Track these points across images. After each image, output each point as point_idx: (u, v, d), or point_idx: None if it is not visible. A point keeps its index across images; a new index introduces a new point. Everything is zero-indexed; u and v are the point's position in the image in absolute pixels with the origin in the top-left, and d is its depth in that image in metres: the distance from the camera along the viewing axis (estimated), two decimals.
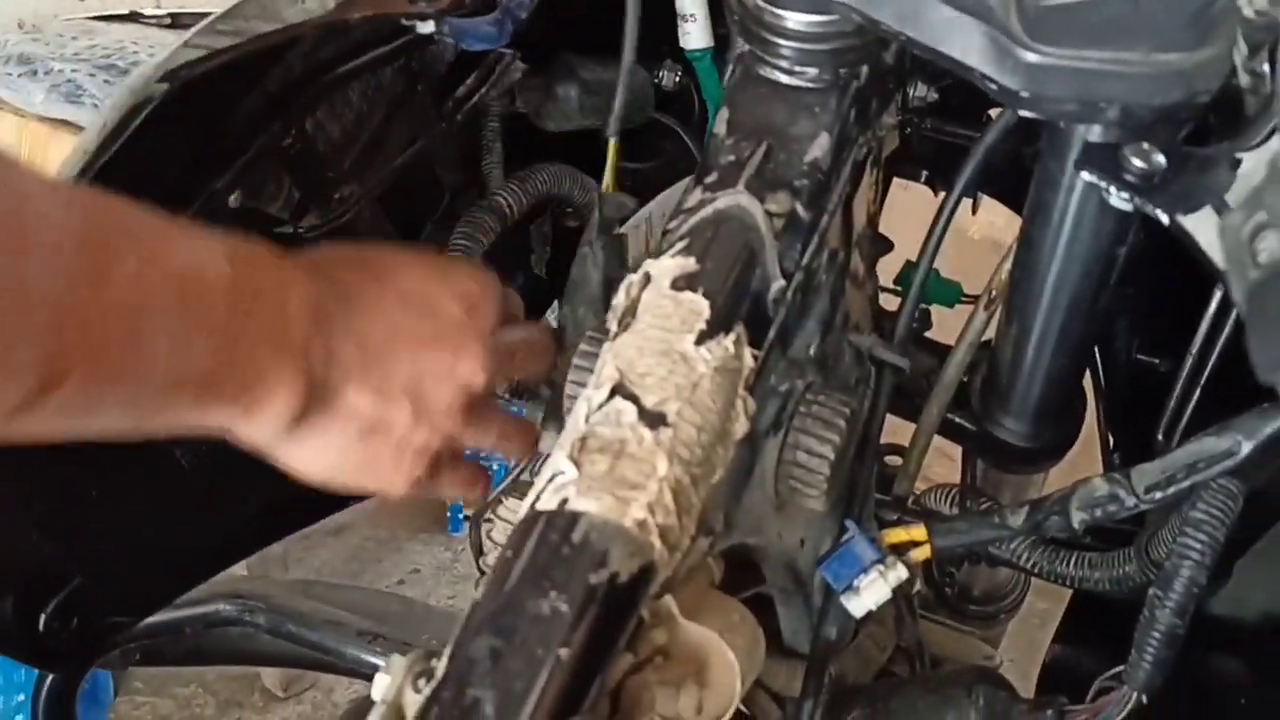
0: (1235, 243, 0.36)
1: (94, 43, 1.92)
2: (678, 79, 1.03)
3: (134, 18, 2.12)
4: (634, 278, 0.61)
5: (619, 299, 0.61)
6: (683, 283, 0.59)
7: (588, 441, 0.53)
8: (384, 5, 0.63)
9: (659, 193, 1.15)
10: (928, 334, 0.93)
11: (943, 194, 1.05)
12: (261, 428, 0.56)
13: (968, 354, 0.79)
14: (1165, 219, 0.50)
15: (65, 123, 1.78)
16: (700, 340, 0.56)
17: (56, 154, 1.76)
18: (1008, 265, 0.75)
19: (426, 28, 0.63)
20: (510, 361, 0.68)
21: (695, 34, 0.88)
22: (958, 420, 0.83)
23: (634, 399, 0.55)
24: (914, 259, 0.95)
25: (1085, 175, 0.52)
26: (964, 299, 0.94)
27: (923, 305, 0.92)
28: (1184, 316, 0.81)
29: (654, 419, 0.54)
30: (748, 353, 0.58)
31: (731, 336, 0.57)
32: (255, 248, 0.54)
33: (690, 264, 0.59)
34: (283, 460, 0.59)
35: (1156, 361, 0.91)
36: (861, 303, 0.81)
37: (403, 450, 0.61)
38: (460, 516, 2.50)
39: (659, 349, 0.57)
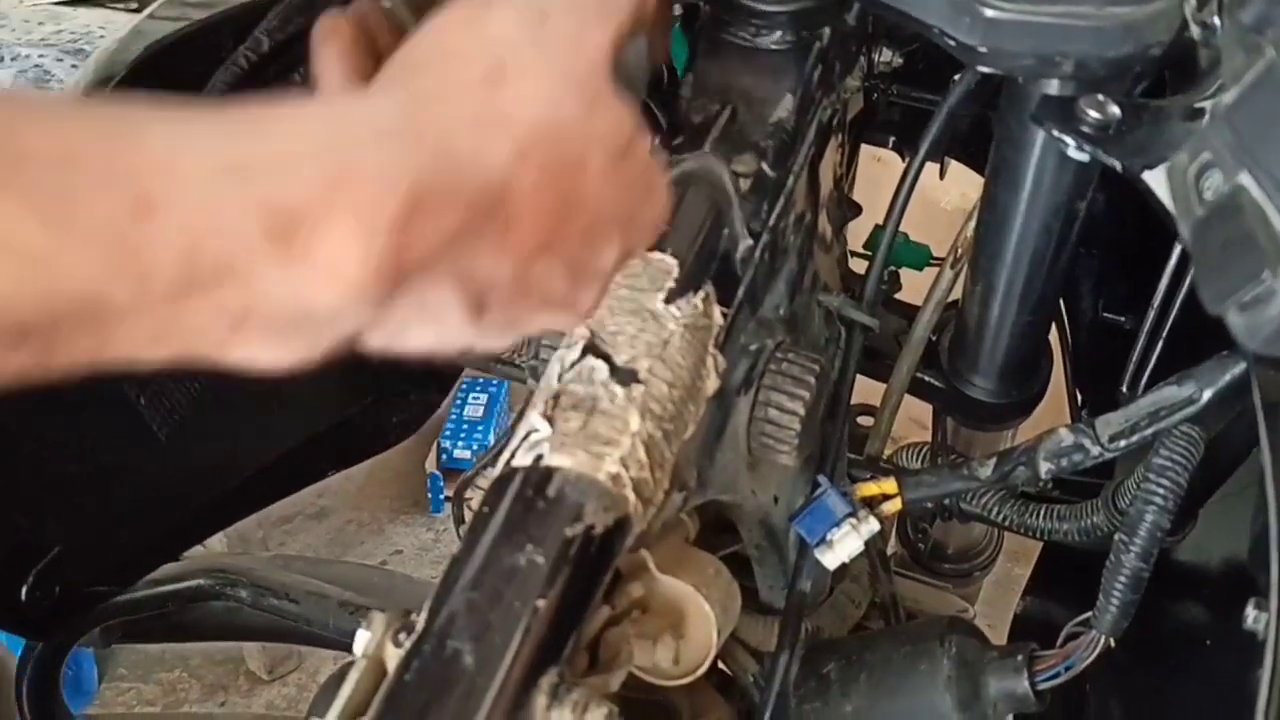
0: (1182, 183, 0.37)
1: (60, 28, 1.91)
2: None
3: (100, 2, 2.11)
4: None
5: None
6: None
7: (561, 399, 0.54)
8: None
9: None
10: (897, 296, 0.95)
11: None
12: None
13: (935, 313, 0.80)
14: (1120, 168, 0.51)
15: None
16: (670, 299, 0.57)
17: None
18: (972, 225, 0.76)
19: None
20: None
21: None
22: (927, 379, 0.85)
23: (605, 357, 0.55)
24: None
25: (1041, 127, 0.53)
26: (933, 261, 0.96)
27: (891, 268, 0.93)
28: (1147, 275, 0.83)
29: (626, 376, 0.55)
30: (717, 310, 0.59)
31: (700, 295, 0.58)
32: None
33: None
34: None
35: (1121, 319, 0.92)
36: (830, 265, 0.82)
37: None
38: (441, 497, 2.51)
39: (629, 308, 0.58)
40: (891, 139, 1.02)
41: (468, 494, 0.96)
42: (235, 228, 0.34)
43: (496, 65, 0.42)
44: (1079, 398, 0.93)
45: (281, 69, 0.77)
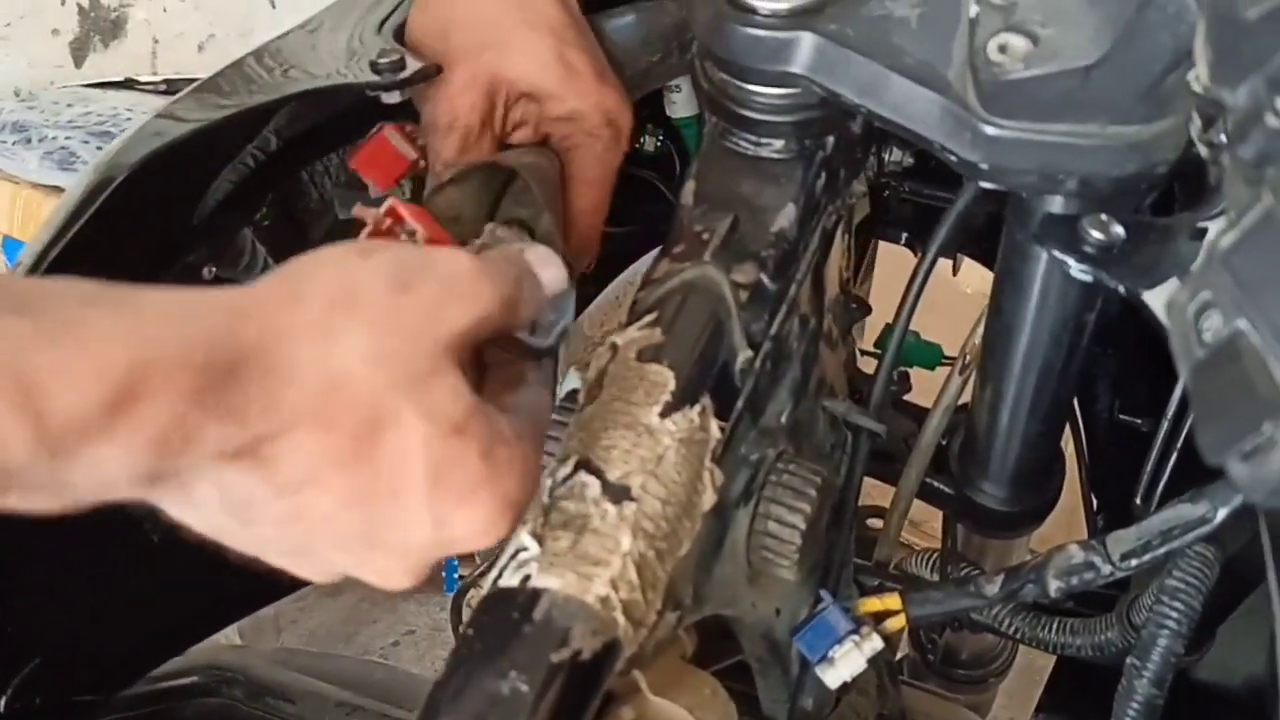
0: (1181, 321, 0.36)
1: (89, 110, 1.94)
2: (659, 142, 1.04)
3: (129, 84, 2.15)
4: (601, 350, 0.61)
5: (587, 371, 0.61)
6: (648, 354, 0.59)
7: (551, 516, 0.53)
8: (347, 76, 0.64)
9: (642, 254, 1.15)
10: (910, 396, 0.93)
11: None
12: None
13: (944, 418, 0.79)
14: (1123, 291, 0.50)
15: (58, 189, 1.80)
16: (665, 413, 0.56)
17: None
18: (980, 331, 0.75)
19: (392, 98, 0.63)
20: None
21: (681, 102, 0.89)
22: (937, 485, 0.83)
23: (598, 473, 0.54)
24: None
25: (1045, 248, 0.52)
26: (944, 361, 0.94)
27: (902, 368, 0.92)
28: (1164, 376, 0.81)
29: (618, 493, 0.54)
30: (714, 424, 0.58)
31: (697, 408, 0.57)
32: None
33: (656, 335, 0.59)
34: None
35: (1139, 422, 0.90)
36: (836, 367, 0.81)
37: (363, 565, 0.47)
38: (455, 577, 2.48)
39: (623, 421, 0.56)
40: (904, 235, 1.02)
41: (469, 589, 0.95)
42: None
43: (341, 301, 0.42)
44: (1094, 502, 0.91)
45: (288, 167, 0.78)
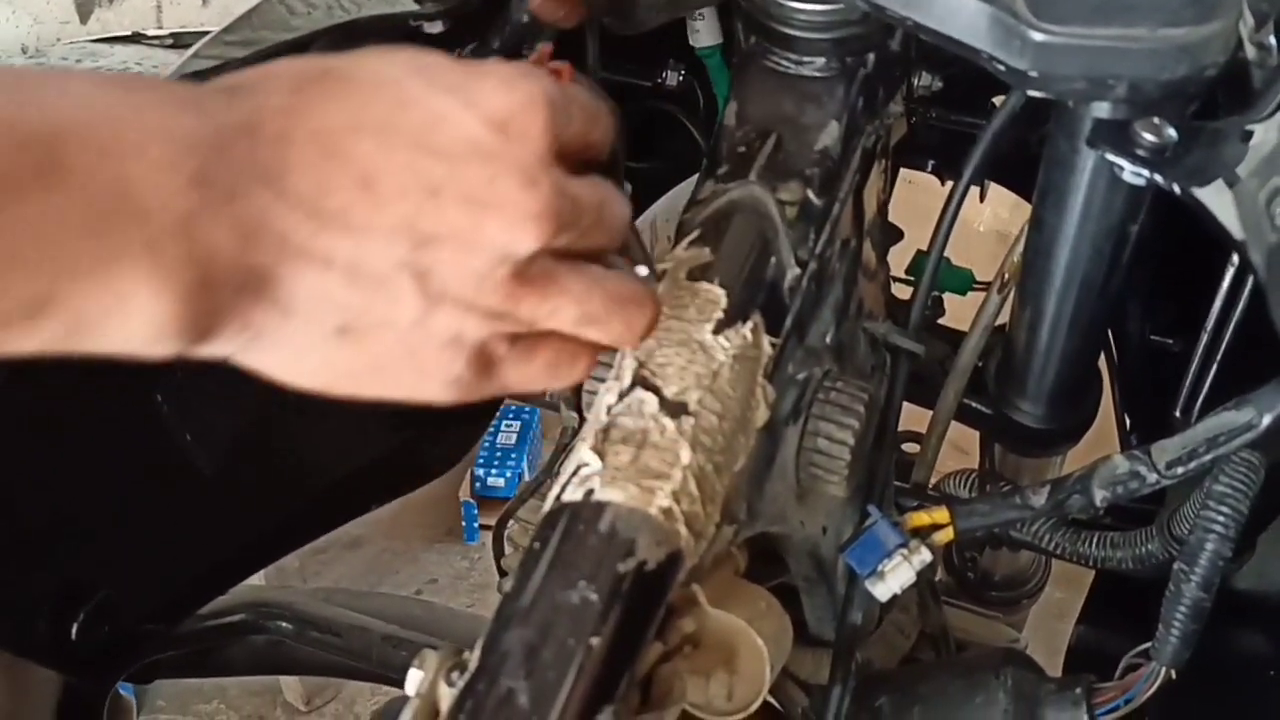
0: (1252, 209, 0.37)
1: (98, 64, 1.92)
2: (681, 77, 1.04)
3: (136, 39, 2.13)
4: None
5: None
6: (698, 273, 0.59)
7: (610, 432, 0.54)
8: (391, 6, 0.64)
9: (665, 190, 1.15)
10: (941, 321, 0.94)
11: (950, 183, 1.06)
12: (141, 347, 0.39)
13: (982, 338, 0.79)
14: (1179, 191, 0.50)
15: None
16: (718, 329, 0.57)
17: None
18: (1019, 250, 0.76)
19: (435, 28, 0.63)
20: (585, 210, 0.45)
21: (705, 31, 0.88)
22: (974, 405, 0.83)
23: (655, 389, 0.55)
24: (924, 249, 0.96)
25: (1097, 151, 0.52)
26: (976, 286, 0.95)
27: (935, 293, 0.92)
28: (1195, 296, 0.81)
29: (675, 408, 0.54)
30: (765, 340, 0.59)
31: (749, 325, 0.58)
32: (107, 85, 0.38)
33: (705, 254, 0.60)
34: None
35: (1170, 342, 0.91)
36: (875, 292, 0.81)
37: (421, 346, 0.44)
38: (475, 525, 2.50)
39: (677, 339, 0.57)
40: (931, 162, 1.02)
41: (508, 526, 0.97)
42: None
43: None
44: (1128, 422, 0.91)
45: None
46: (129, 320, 0.38)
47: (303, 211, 0.40)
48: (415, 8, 0.62)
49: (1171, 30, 0.51)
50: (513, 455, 2.52)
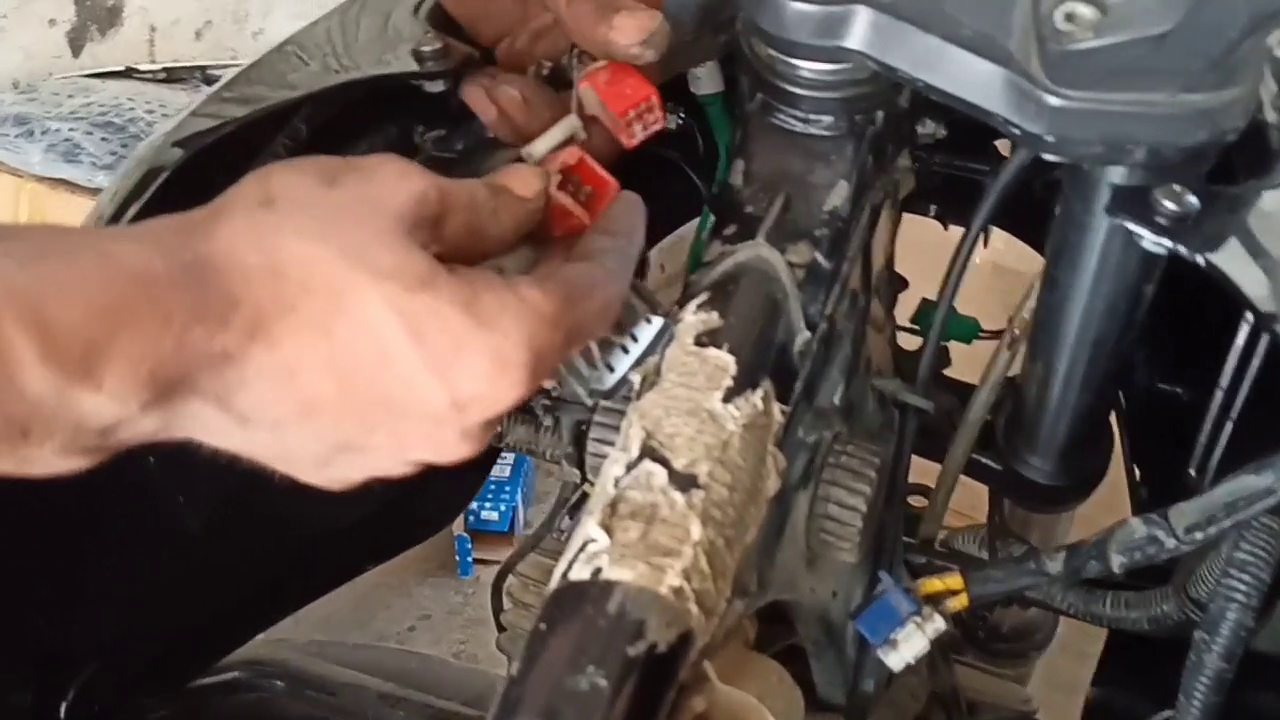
0: (1275, 277, 0.35)
1: (90, 100, 1.92)
2: (680, 120, 1.02)
3: (129, 73, 2.12)
4: None
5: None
6: (706, 339, 0.58)
7: (618, 507, 0.52)
8: (390, 65, 0.63)
9: (663, 236, 1.14)
10: (947, 370, 0.92)
11: (954, 227, 1.05)
12: None
13: (992, 394, 0.78)
14: (1201, 261, 0.49)
15: (64, 182, 1.78)
16: (728, 397, 0.55)
17: (55, 214, 1.76)
18: (1030, 304, 0.74)
19: (436, 87, 0.62)
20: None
21: (706, 79, 0.87)
22: (983, 460, 0.82)
23: (664, 461, 0.53)
24: (926, 291, 0.95)
25: (1117, 220, 0.51)
26: (981, 334, 0.93)
27: (941, 343, 0.91)
28: (1202, 343, 0.80)
29: (685, 481, 0.53)
30: (776, 408, 0.57)
31: (759, 392, 0.56)
32: None
33: (713, 319, 0.58)
34: None
35: (1179, 390, 0.90)
36: (881, 345, 0.80)
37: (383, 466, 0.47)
38: (469, 560, 2.48)
39: (686, 408, 0.56)
40: (933, 207, 1.01)
41: (507, 581, 0.95)
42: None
43: (265, 202, 0.43)
44: (1138, 472, 0.90)
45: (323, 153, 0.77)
46: (28, 471, 0.39)
47: (234, 419, 0.42)
48: (415, 67, 0.61)
49: (1191, 95, 0.50)
50: (507, 489, 2.50)
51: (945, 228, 1.02)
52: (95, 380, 0.37)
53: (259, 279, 0.41)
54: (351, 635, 2.30)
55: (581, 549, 0.51)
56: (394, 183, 0.44)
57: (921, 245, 1.25)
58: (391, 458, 0.46)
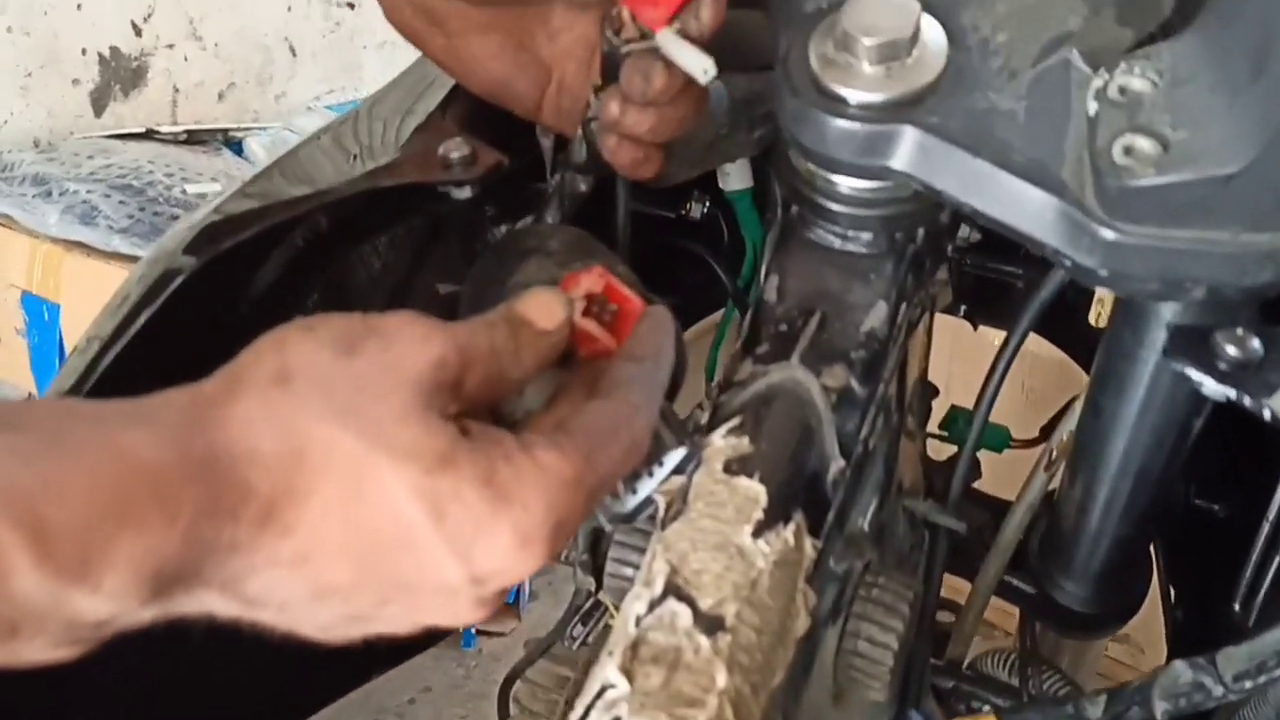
0: None
1: (109, 162, 1.91)
2: (706, 209, 1.01)
3: (150, 135, 2.13)
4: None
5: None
6: (736, 466, 0.55)
7: (640, 650, 0.49)
8: (417, 171, 0.61)
9: (686, 329, 1.12)
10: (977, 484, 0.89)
11: (983, 327, 1.02)
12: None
13: (1026, 515, 0.75)
14: (1268, 415, 0.46)
15: (79, 244, 1.77)
16: (758, 532, 0.53)
17: (70, 276, 1.75)
18: (1069, 426, 0.72)
19: (463, 193, 0.60)
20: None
21: (735, 175, 0.85)
22: (1015, 583, 0.79)
23: (689, 600, 0.51)
24: (954, 393, 0.93)
25: (1177, 366, 0.49)
26: (1013, 443, 0.91)
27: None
28: (1240, 459, 0.77)
29: (711, 623, 0.50)
30: (808, 543, 0.55)
31: (791, 527, 0.53)
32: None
33: (744, 445, 0.56)
34: None
35: (1215, 507, 0.87)
36: (913, 459, 0.77)
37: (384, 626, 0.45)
38: (472, 631, 2.43)
39: (714, 542, 0.53)
40: (963, 308, 0.99)
41: (514, 687, 0.91)
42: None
43: (281, 377, 0.41)
44: (1173, 594, 0.86)
45: (339, 251, 0.75)
46: (19, 663, 0.38)
47: (240, 603, 0.40)
48: (441, 174, 0.59)
49: (1256, 235, 0.48)
50: None
51: (975, 328, 1.00)
52: (93, 582, 0.35)
53: (275, 465, 0.39)
54: (350, 709, 2.25)
55: (599, 695, 0.48)
56: (415, 348, 0.42)
57: (951, 345, 1.22)
58: (401, 624, 0.44)
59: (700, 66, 0.57)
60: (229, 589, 0.39)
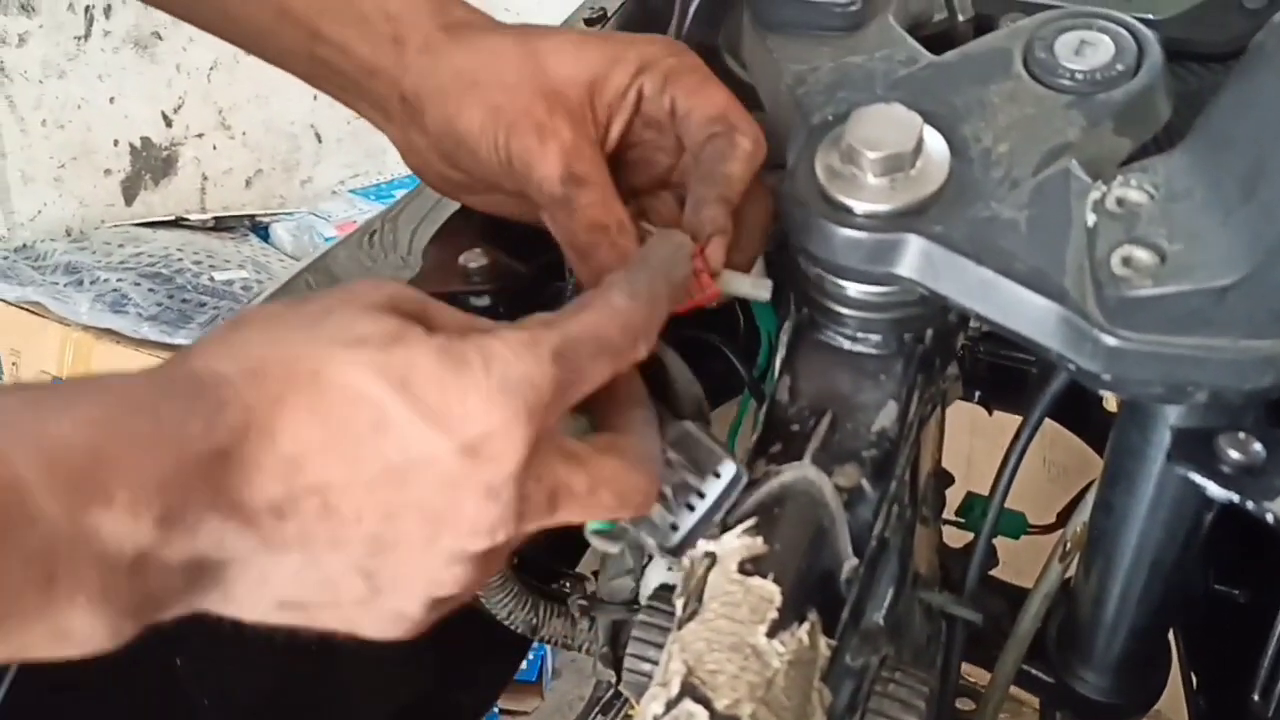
0: None
1: (140, 250, 1.96)
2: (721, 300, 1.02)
3: (178, 223, 2.17)
4: (698, 556, 0.58)
5: (682, 580, 0.58)
6: (750, 566, 0.56)
7: None
8: (438, 282, 0.63)
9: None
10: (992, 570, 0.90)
11: (999, 412, 1.03)
12: (78, 654, 0.39)
13: (1043, 606, 0.76)
14: (1270, 518, 0.47)
15: (109, 332, 1.80)
16: (773, 631, 0.53)
17: (100, 364, 1.78)
18: (1082, 517, 0.72)
19: (482, 301, 0.62)
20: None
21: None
22: (1033, 672, 0.79)
23: (705, 702, 0.51)
24: (970, 479, 0.93)
25: (1180, 470, 0.50)
26: (1030, 529, 0.91)
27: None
28: (1258, 545, 0.78)
29: None
30: (823, 641, 0.55)
31: (805, 626, 0.54)
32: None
33: (758, 545, 0.57)
34: None
35: (1235, 592, 0.87)
36: (929, 548, 0.78)
37: (363, 619, 0.46)
38: (496, 711, 2.42)
39: (729, 642, 0.54)
40: (977, 393, 1.00)
41: None
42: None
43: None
44: (1194, 680, 0.86)
45: None
46: (69, 643, 0.38)
47: (259, 537, 0.41)
48: (463, 283, 0.61)
49: (1256, 342, 0.49)
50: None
51: (990, 413, 1.00)
52: (105, 495, 0.37)
53: (241, 381, 0.41)
54: None
55: None
56: (365, 286, 0.46)
57: (971, 422, 1.22)
58: (420, 540, 0.43)
59: (760, 291, 0.62)
60: (236, 509, 0.40)
